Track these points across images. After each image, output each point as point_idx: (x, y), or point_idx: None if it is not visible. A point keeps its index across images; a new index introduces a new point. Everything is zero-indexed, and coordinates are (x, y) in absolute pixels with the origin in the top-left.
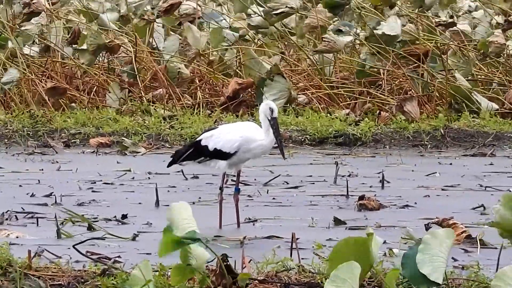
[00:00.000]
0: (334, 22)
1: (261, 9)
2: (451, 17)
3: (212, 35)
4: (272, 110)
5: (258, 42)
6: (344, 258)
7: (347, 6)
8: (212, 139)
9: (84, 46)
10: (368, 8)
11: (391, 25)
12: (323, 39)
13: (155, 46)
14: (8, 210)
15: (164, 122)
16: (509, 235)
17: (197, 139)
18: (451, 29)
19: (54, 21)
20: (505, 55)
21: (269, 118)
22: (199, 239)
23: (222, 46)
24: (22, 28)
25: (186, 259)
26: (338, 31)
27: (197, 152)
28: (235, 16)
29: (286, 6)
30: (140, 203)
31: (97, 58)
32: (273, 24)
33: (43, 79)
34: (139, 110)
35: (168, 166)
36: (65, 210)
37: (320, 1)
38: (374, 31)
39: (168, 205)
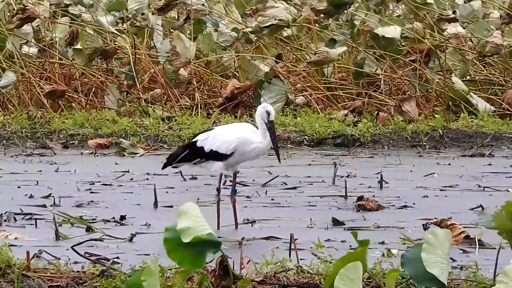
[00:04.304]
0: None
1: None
2: (453, 12)
3: (202, 41)
4: (268, 113)
5: (256, 43)
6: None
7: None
8: (208, 140)
9: (80, 46)
10: (369, 14)
11: (390, 30)
12: (316, 52)
13: (154, 46)
14: (6, 212)
15: (162, 123)
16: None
17: (192, 140)
18: (453, 24)
19: (52, 25)
20: (503, 54)
21: (266, 122)
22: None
23: (216, 47)
24: (19, 30)
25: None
26: (332, 41)
27: (192, 153)
28: (233, 19)
29: (275, 19)
30: (138, 204)
31: (96, 60)
32: (266, 36)
33: (41, 81)
34: (137, 111)
35: (162, 168)
36: (63, 214)
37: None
38: (373, 32)
39: (167, 206)
